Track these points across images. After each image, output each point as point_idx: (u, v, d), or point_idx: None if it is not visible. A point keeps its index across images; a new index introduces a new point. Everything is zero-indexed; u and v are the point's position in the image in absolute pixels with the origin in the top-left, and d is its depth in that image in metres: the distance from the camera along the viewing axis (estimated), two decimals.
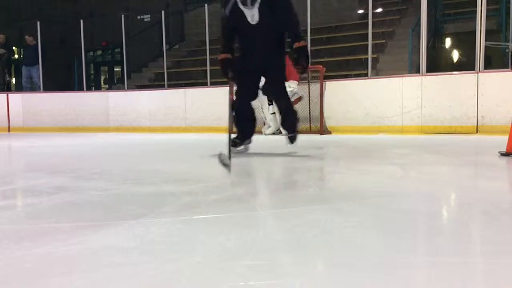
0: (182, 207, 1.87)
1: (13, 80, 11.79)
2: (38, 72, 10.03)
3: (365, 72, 7.62)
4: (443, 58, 11.38)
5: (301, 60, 3.65)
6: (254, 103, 3.99)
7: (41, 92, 10.01)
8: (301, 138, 6.46)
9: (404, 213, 1.73)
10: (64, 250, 1.31)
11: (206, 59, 8.83)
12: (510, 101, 6.16)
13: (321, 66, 7.14)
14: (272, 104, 6.57)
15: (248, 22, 3.62)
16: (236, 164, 3.93)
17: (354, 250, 1.28)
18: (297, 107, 6.72)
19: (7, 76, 10.95)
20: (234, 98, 3.87)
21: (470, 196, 2.15)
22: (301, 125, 7.05)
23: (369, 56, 7.35)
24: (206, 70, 8.78)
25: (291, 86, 6.65)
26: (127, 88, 9.96)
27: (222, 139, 6.47)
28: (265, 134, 6.97)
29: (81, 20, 9.77)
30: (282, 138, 6.37)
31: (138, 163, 3.71)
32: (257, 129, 7.40)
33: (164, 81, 9.41)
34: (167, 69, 9.48)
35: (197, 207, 1.85)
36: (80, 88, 10.82)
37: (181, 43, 13.79)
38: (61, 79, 12.84)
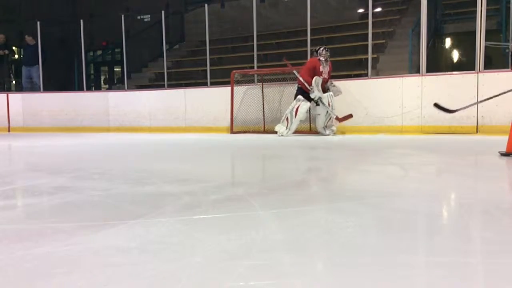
0: (182, 207, 1.87)
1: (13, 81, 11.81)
2: (38, 72, 10.02)
3: (365, 72, 7.62)
4: (443, 58, 11.37)
5: None
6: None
7: (41, 92, 10.00)
8: (301, 138, 6.52)
9: (404, 213, 1.73)
10: (64, 250, 1.31)
11: (206, 59, 8.82)
12: (510, 101, 6.15)
13: None
14: (319, 105, 6.63)
15: None
16: (236, 164, 3.94)
17: (354, 250, 1.28)
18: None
19: (12, 76, 10.95)
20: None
21: (470, 196, 2.15)
22: (302, 125, 7.11)
23: (369, 56, 7.35)
24: (206, 70, 8.77)
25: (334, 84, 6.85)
26: (127, 88, 9.95)
27: (222, 139, 6.50)
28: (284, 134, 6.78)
29: (81, 20, 9.76)
30: (282, 139, 6.40)
31: (138, 163, 3.71)
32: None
33: (164, 81, 9.40)
34: (167, 69, 9.47)
35: (197, 207, 1.85)
36: (80, 88, 10.81)
37: (181, 43, 13.79)
38: (61, 79, 12.83)
